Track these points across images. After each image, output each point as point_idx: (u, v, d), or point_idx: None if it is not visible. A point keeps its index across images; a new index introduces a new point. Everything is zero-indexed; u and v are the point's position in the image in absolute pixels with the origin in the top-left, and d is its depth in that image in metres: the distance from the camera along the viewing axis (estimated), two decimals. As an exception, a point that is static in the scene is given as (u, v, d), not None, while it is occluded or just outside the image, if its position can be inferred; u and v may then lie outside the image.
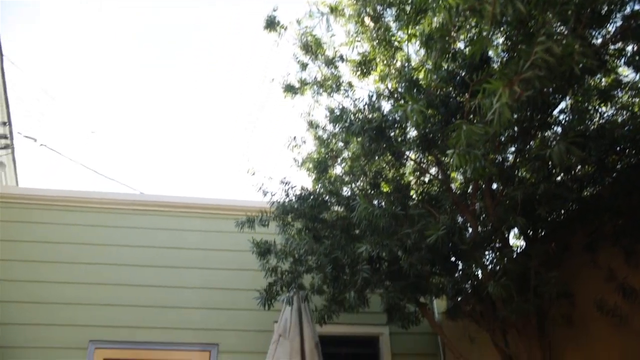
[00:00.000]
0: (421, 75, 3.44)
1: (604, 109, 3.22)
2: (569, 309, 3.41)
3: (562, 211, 3.42)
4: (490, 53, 3.07)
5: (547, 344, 3.43)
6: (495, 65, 3.04)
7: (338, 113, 3.51)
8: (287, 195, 3.99)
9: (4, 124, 6.88)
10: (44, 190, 5.65)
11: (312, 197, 3.87)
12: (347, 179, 3.92)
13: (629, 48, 2.87)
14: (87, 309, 5.04)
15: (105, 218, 5.57)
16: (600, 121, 3.20)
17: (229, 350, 5.03)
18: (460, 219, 3.49)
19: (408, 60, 3.67)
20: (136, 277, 5.27)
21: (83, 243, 5.38)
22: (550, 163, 3.08)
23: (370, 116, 3.45)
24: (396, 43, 3.67)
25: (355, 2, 3.73)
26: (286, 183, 4.03)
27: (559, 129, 3.27)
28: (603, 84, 3.18)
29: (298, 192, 3.96)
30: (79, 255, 5.30)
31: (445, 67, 3.14)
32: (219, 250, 5.51)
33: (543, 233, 3.55)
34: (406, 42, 3.62)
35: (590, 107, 3.16)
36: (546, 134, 3.30)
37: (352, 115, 3.49)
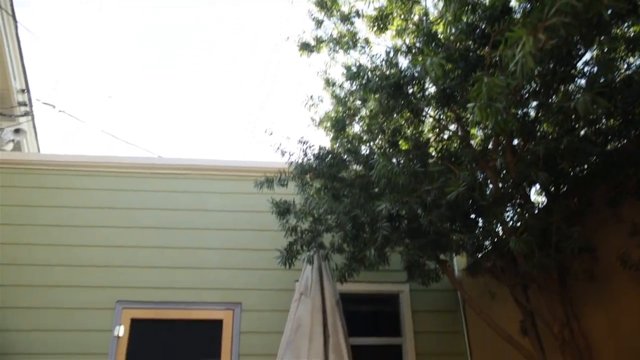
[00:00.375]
0: (440, 29, 3.34)
1: (631, 59, 3.11)
2: (591, 263, 3.38)
3: (585, 166, 3.36)
4: (512, 3, 2.96)
5: (569, 299, 3.43)
6: (517, 16, 2.94)
7: (355, 70, 3.45)
8: (306, 154, 3.98)
9: (23, 91, 6.93)
10: (65, 156, 5.73)
11: (330, 156, 3.85)
12: (365, 137, 3.88)
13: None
14: (113, 271, 5.17)
15: (126, 182, 5.65)
16: (628, 72, 3.09)
17: (252, 309, 5.13)
18: (480, 176, 3.45)
19: (426, 13, 3.56)
20: (160, 239, 5.38)
21: (108, 207, 5.48)
22: (573, 116, 3.00)
23: (387, 72, 3.39)
24: (414, -4, 3.57)
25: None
26: (304, 142, 4.01)
27: (583, 82, 3.17)
28: (631, 32, 3.05)
29: (316, 152, 3.94)
30: (104, 219, 5.41)
31: (465, 19, 3.04)
32: (240, 211, 5.57)
33: (565, 188, 3.49)
34: (424, -6, 3.52)
35: (617, 57, 3.04)
36: (569, 87, 3.21)
37: (369, 72, 3.43)
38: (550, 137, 3.18)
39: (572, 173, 3.33)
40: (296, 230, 3.90)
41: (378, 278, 5.14)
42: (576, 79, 3.19)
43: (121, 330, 4.84)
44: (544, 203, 3.74)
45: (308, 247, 3.91)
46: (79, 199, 5.49)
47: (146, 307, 5.01)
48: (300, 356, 3.98)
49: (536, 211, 3.41)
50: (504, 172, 3.46)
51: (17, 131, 6.83)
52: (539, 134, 3.31)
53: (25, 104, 6.95)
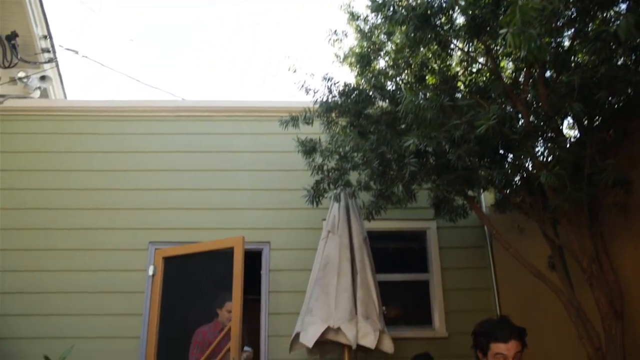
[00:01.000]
0: (469, -47, 3.15)
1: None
2: (624, 197, 3.31)
3: (622, 97, 3.22)
4: None
5: (599, 234, 3.38)
6: None
7: (380, 1, 3.31)
8: (330, 91, 3.90)
9: (45, 37, 6.91)
10: (93, 102, 5.79)
11: (355, 92, 3.77)
12: (391, 72, 3.77)
13: None
14: (145, 213, 5.31)
15: (153, 126, 5.70)
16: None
17: (280, 248, 5.24)
18: (510, 109, 3.35)
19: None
20: (188, 181, 5.46)
21: (136, 151, 5.57)
22: (612, 44, 2.85)
23: (414, 3, 3.24)
24: None
25: None
26: (329, 79, 3.92)
27: (624, 7, 2.99)
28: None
29: (341, 88, 3.86)
30: (133, 163, 5.51)
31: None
32: (266, 152, 5.59)
33: (599, 120, 3.37)
34: None
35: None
36: (608, 14, 3.03)
37: (394, 4, 3.29)
38: (586, 66, 3.04)
39: (607, 104, 3.21)
40: (322, 168, 3.88)
41: (405, 215, 5.15)
42: (617, 4, 3.00)
43: (155, 270, 5.00)
44: (577, 137, 3.64)
45: (335, 186, 3.91)
46: (108, 144, 5.58)
47: (177, 247, 5.11)
48: (328, 292, 4.08)
49: (568, 145, 3.32)
50: (536, 104, 3.35)
51: (42, 78, 6.86)
52: (573, 64, 3.17)
53: (48, 51, 6.95)
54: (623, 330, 3.22)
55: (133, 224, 5.26)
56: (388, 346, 4.09)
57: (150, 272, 5.02)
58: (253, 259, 5.33)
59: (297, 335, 4.13)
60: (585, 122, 3.40)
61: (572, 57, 3.19)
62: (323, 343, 4.14)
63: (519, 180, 3.78)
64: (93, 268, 5.08)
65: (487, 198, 5.30)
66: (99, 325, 4.90)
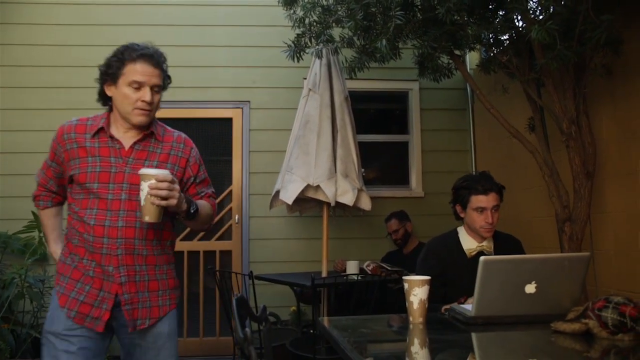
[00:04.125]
0: None
1: None
2: (612, 58, 3.24)
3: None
4: None
5: (582, 95, 3.36)
6: None
7: None
8: None
9: None
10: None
11: None
12: None
13: None
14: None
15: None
16: None
17: (260, 107, 5.15)
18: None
19: None
20: (165, 36, 5.13)
21: (114, 4, 5.16)
22: None
23: None
24: None
25: None
26: None
27: None
28: None
29: None
30: (102, 17, 5.12)
31: None
32: (245, 5, 5.23)
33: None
34: None
35: None
36: None
37: None
38: None
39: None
40: (304, 22, 3.66)
41: (388, 76, 5.04)
42: None
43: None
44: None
45: (317, 41, 3.72)
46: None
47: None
48: (309, 151, 4.08)
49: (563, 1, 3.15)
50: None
51: None
52: None
53: None
54: (592, 190, 3.34)
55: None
56: (366, 204, 4.21)
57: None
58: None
59: (277, 193, 4.21)
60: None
61: None
62: (302, 200, 4.25)
63: (507, 39, 3.65)
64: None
65: (472, 59, 5.17)
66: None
